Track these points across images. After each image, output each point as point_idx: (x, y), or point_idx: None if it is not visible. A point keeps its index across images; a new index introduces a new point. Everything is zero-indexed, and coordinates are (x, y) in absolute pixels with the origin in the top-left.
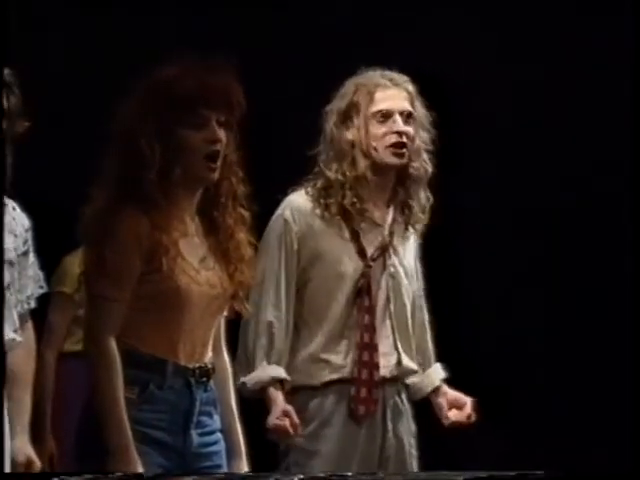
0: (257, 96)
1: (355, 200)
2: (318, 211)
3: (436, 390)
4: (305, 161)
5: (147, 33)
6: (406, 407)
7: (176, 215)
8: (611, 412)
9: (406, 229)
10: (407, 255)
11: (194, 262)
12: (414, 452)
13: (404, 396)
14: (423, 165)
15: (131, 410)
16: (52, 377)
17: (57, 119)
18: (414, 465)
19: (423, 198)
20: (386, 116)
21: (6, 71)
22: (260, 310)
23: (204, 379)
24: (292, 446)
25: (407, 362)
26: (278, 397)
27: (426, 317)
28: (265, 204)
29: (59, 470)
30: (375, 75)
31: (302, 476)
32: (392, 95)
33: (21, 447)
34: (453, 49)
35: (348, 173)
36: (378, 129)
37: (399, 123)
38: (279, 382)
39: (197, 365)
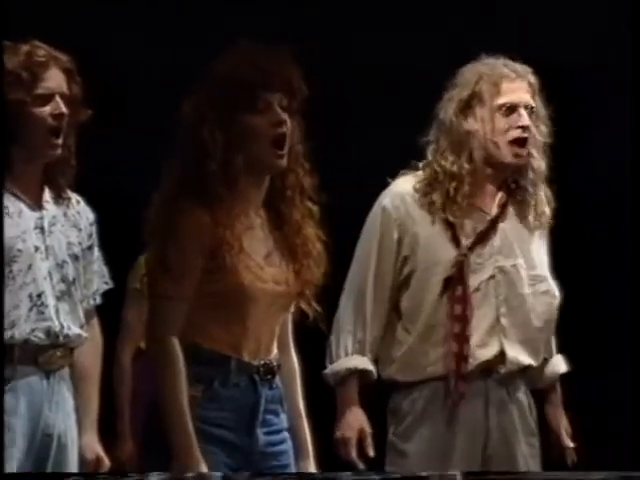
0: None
1: (463, 193)
2: (420, 200)
3: (551, 387)
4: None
5: (212, 27)
6: (519, 402)
7: (240, 208)
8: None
9: (524, 223)
10: (531, 248)
11: (258, 258)
12: (532, 451)
13: (516, 390)
14: (541, 160)
15: (196, 408)
16: (129, 375)
17: (122, 108)
18: (531, 465)
19: (541, 193)
20: (511, 109)
21: (67, 58)
22: (349, 299)
23: (269, 376)
24: (388, 445)
25: (515, 354)
26: (353, 400)
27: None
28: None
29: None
30: (498, 65)
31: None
32: (517, 88)
33: (89, 444)
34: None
35: (466, 165)
36: (502, 122)
37: (524, 117)
38: (361, 374)
39: (262, 362)
